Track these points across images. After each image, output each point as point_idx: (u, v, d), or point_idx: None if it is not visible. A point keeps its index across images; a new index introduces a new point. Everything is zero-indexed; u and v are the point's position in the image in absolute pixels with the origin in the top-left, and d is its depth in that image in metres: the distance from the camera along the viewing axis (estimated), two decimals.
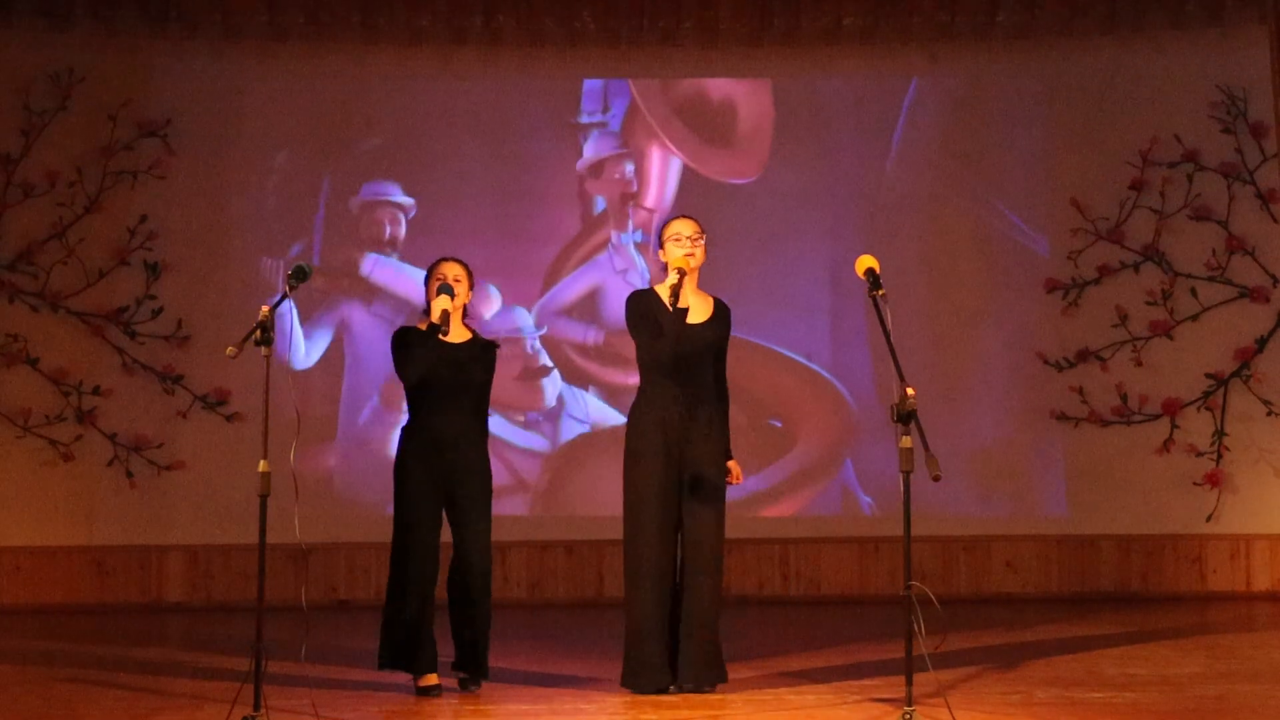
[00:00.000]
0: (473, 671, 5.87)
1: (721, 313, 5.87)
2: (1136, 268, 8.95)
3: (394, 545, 5.83)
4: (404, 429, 5.93)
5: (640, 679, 5.71)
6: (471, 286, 6.00)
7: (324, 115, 9.03)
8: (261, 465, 5.10)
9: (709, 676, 5.73)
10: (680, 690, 5.70)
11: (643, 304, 5.78)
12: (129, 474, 8.72)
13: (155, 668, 6.52)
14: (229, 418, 8.78)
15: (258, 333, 5.13)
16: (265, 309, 5.18)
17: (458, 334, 5.93)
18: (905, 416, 5.01)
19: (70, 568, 8.70)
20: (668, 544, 5.72)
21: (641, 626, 5.71)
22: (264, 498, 5.11)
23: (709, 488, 5.72)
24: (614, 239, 9.09)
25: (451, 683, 5.89)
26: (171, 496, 8.76)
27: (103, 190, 8.82)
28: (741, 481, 5.86)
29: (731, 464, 5.83)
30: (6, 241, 8.76)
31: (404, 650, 5.80)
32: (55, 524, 8.70)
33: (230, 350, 5.22)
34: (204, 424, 8.78)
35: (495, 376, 6.05)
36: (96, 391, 8.75)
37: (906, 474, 5.03)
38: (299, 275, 5.35)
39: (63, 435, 8.72)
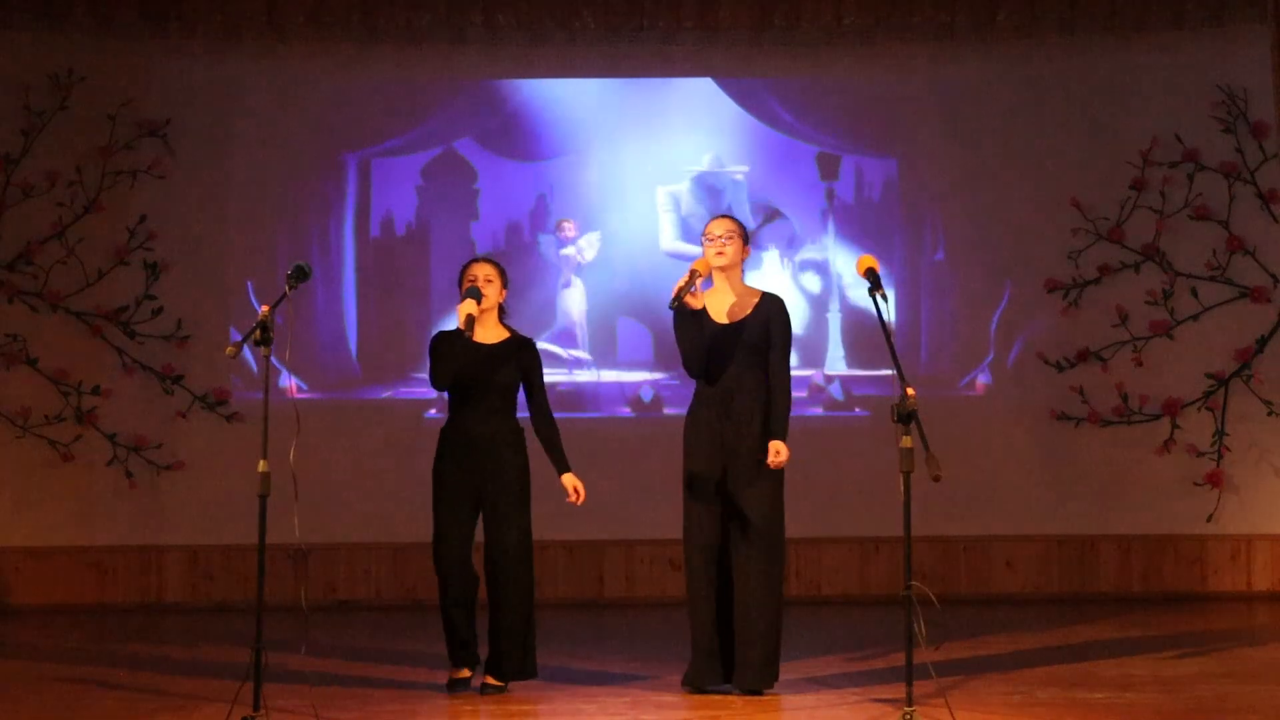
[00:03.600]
0: (500, 673, 5.86)
1: (764, 305, 5.82)
2: (1137, 268, 8.94)
3: (433, 546, 5.88)
4: (441, 431, 5.97)
5: (694, 678, 5.77)
6: (505, 285, 5.99)
7: (324, 115, 9.02)
8: (261, 465, 5.11)
9: (762, 680, 5.71)
10: (734, 690, 5.71)
11: (685, 311, 5.77)
12: (129, 474, 8.71)
13: (155, 668, 6.52)
14: (229, 418, 8.78)
15: (257, 332, 5.14)
16: (265, 308, 5.19)
17: (493, 334, 5.93)
18: (905, 417, 5.01)
19: (70, 568, 8.69)
20: (711, 546, 5.74)
21: (695, 626, 5.77)
22: (264, 498, 5.12)
23: (753, 488, 5.71)
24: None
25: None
26: (171, 496, 8.75)
27: (102, 190, 8.81)
28: (782, 460, 5.69)
29: (773, 443, 5.69)
30: (6, 241, 8.75)
31: (449, 646, 5.89)
32: (55, 524, 8.69)
33: (230, 350, 5.23)
34: (204, 424, 8.78)
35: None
36: (96, 391, 8.74)
37: (907, 474, 5.04)
38: (299, 275, 5.35)
39: (62, 435, 8.71)
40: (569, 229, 8.96)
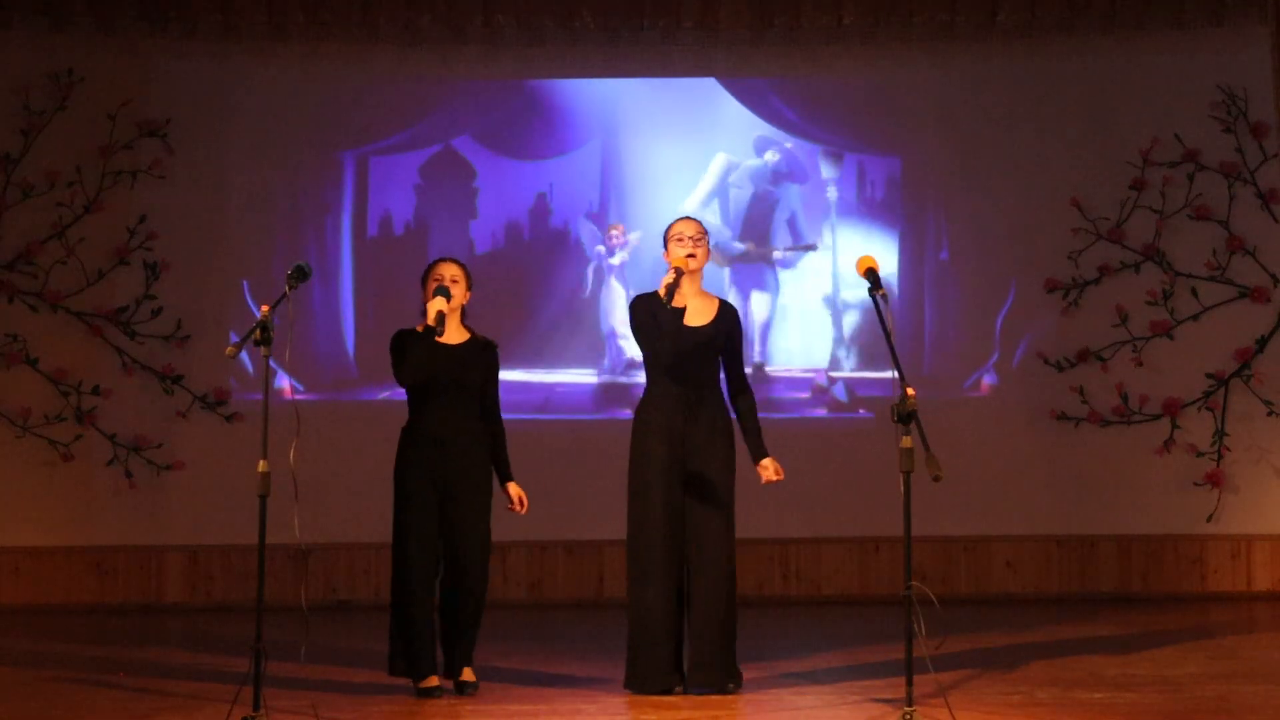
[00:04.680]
0: (465, 667, 5.86)
1: (726, 314, 5.89)
2: (1137, 268, 8.94)
3: (394, 547, 5.84)
4: (403, 430, 5.94)
5: (645, 681, 5.71)
6: (470, 286, 5.99)
7: (324, 115, 9.02)
8: (261, 465, 5.10)
9: (721, 679, 5.71)
10: (690, 692, 5.69)
11: (645, 306, 5.81)
12: (128, 474, 8.71)
13: (155, 668, 6.52)
14: (228, 418, 8.78)
15: (257, 332, 5.13)
16: (265, 308, 5.18)
17: (456, 335, 5.94)
18: (905, 417, 5.01)
19: (70, 568, 8.69)
20: (672, 545, 5.73)
21: (646, 628, 5.71)
22: (263, 498, 5.12)
23: (712, 488, 5.73)
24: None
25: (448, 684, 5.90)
26: (171, 496, 8.76)
27: (102, 190, 8.81)
28: (781, 478, 5.79)
29: (767, 461, 5.79)
30: (6, 241, 8.76)
31: (408, 653, 5.80)
32: (55, 524, 8.69)
33: (230, 350, 5.24)
34: (203, 424, 8.78)
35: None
36: (96, 391, 8.74)
37: (907, 474, 5.04)
38: (299, 275, 5.35)
39: (62, 435, 8.71)
40: (617, 235, 8.93)
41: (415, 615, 5.78)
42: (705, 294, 5.92)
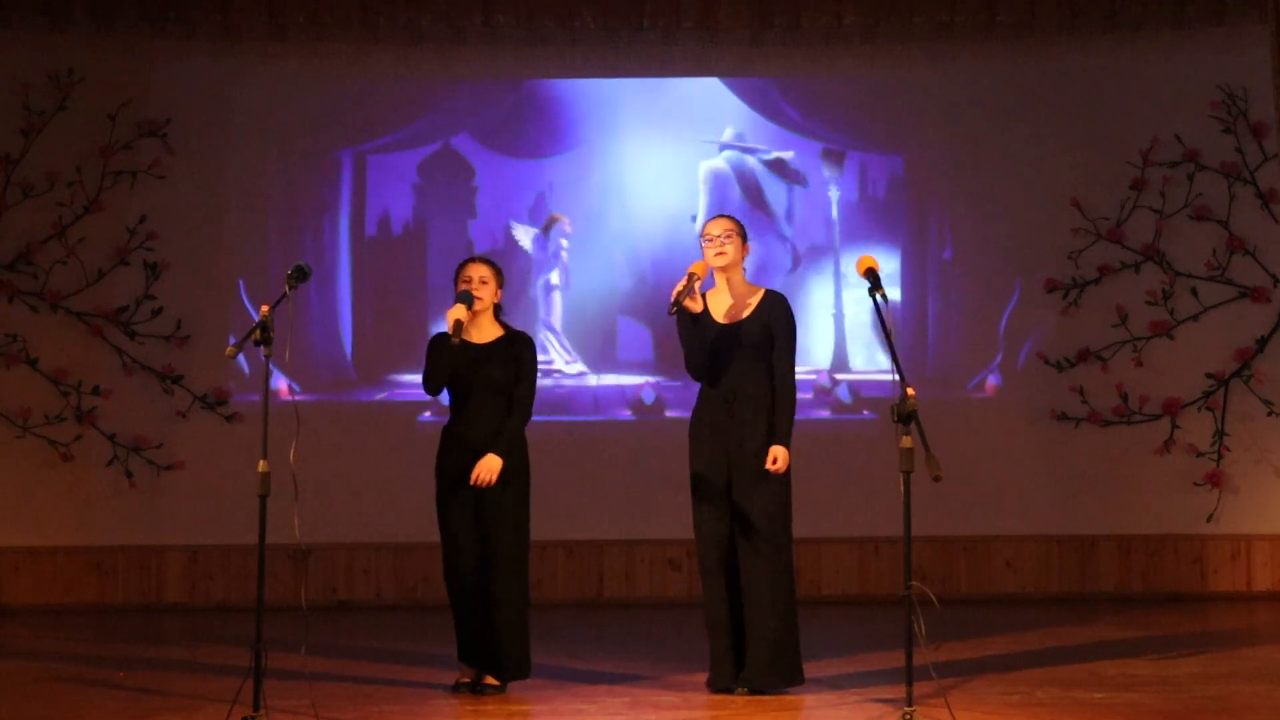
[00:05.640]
0: (493, 672, 5.86)
1: (766, 304, 5.78)
2: (1137, 268, 8.94)
3: (441, 545, 5.91)
4: (442, 430, 5.98)
5: (711, 678, 5.78)
6: (501, 284, 5.96)
7: (324, 115, 9.02)
8: (261, 465, 5.11)
9: (770, 680, 5.69)
10: (740, 692, 5.68)
11: (685, 314, 5.76)
12: (128, 474, 8.71)
13: (155, 668, 6.52)
14: (228, 418, 8.77)
15: (258, 332, 5.14)
16: (265, 308, 5.19)
17: (488, 333, 5.92)
18: (905, 417, 5.02)
19: (70, 568, 8.69)
20: (719, 545, 5.73)
21: (708, 626, 5.77)
22: (264, 498, 5.12)
23: (753, 489, 5.69)
24: None
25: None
26: (171, 496, 8.75)
27: (102, 190, 8.81)
28: (780, 467, 5.63)
29: (772, 448, 5.64)
30: (6, 241, 8.75)
31: (460, 645, 5.91)
32: (55, 524, 8.69)
33: (230, 350, 5.24)
34: (203, 424, 8.77)
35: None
36: (96, 391, 8.74)
37: (907, 474, 5.04)
38: (299, 275, 5.35)
39: (62, 435, 8.71)
40: (556, 224, 8.93)
41: (456, 611, 5.87)
42: (749, 287, 5.84)
